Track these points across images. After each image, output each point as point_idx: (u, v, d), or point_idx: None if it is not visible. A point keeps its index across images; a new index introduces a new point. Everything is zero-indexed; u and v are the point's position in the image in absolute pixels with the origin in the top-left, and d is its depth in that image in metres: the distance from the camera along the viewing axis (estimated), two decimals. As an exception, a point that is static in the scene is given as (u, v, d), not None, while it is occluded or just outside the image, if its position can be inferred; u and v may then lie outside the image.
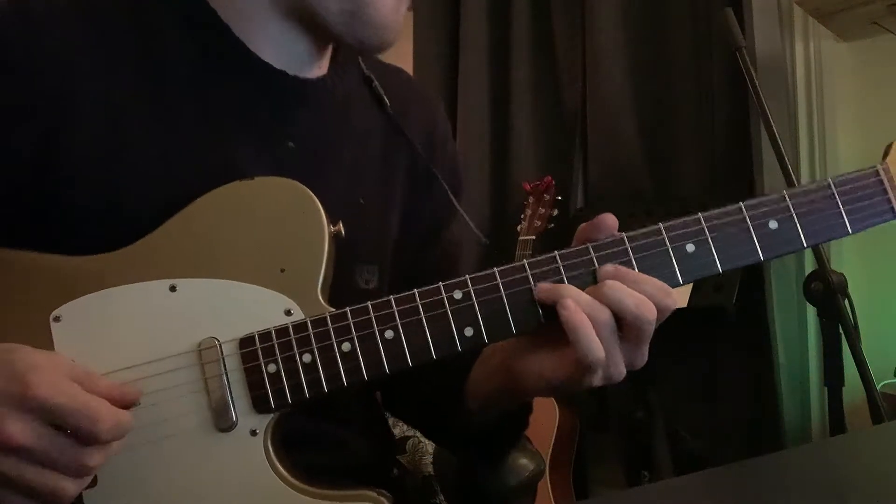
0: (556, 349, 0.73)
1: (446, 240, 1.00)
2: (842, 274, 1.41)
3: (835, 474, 0.72)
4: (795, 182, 1.46)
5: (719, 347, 2.28)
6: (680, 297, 1.91)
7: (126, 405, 0.67)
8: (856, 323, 1.40)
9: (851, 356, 1.39)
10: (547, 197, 2.43)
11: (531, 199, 2.45)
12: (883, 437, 0.90)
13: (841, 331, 1.40)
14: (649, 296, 0.70)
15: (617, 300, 0.69)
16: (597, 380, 0.72)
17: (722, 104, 2.31)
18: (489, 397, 0.86)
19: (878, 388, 1.41)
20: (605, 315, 0.69)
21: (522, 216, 2.45)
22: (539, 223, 2.40)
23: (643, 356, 0.73)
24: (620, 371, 0.72)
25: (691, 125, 2.40)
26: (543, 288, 0.72)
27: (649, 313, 0.69)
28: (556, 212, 2.43)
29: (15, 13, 0.76)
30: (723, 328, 2.18)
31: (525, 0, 2.73)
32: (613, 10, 2.51)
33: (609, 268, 0.72)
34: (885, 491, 0.65)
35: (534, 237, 2.38)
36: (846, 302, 1.40)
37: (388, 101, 0.94)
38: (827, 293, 1.39)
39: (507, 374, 0.80)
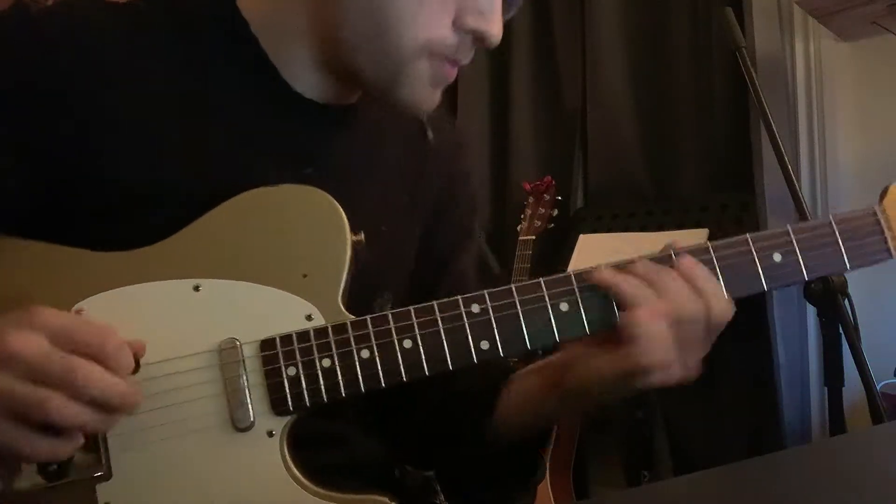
0: (611, 351, 0.75)
1: (457, 271, 1.00)
2: (842, 274, 1.41)
3: (835, 474, 0.72)
4: (795, 182, 1.46)
5: (719, 347, 2.28)
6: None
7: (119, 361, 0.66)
8: (856, 323, 1.40)
9: (851, 356, 1.39)
10: (547, 197, 2.43)
11: (531, 199, 2.45)
12: (883, 437, 0.90)
13: (841, 331, 1.40)
14: (707, 296, 0.74)
15: (675, 291, 0.73)
16: (651, 380, 0.75)
17: (722, 104, 2.31)
18: (528, 405, 0.86)
19: (878, 388, 1.40)
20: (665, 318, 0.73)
21: (522, 216, 2.45)
22: (539, 223, 2.40)
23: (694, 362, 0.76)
24: (674, 374, 0.75)
25: (691, 125, 2.40)
26: (606, 275, 0.74)
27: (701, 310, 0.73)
28: (556, 212, 2.43)
29: (58, 12, 0.77)
30: (723, 328, 2.18)
31: (525, 0, 2.73)
32: (613, 11, 2.51)
33: (688, 260, 0.75)
34: (886, 491, 0.65)
35: (534, 237, 2.38)
36: (846, 302, 1.40)
37: (430, 133, 0.95)
38: (827, 293, 1.38)
39: (557, 380, 0.82)
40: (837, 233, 0.78)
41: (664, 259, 0.76)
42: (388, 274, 0.89)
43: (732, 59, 1.58)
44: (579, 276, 0.75)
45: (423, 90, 0.80)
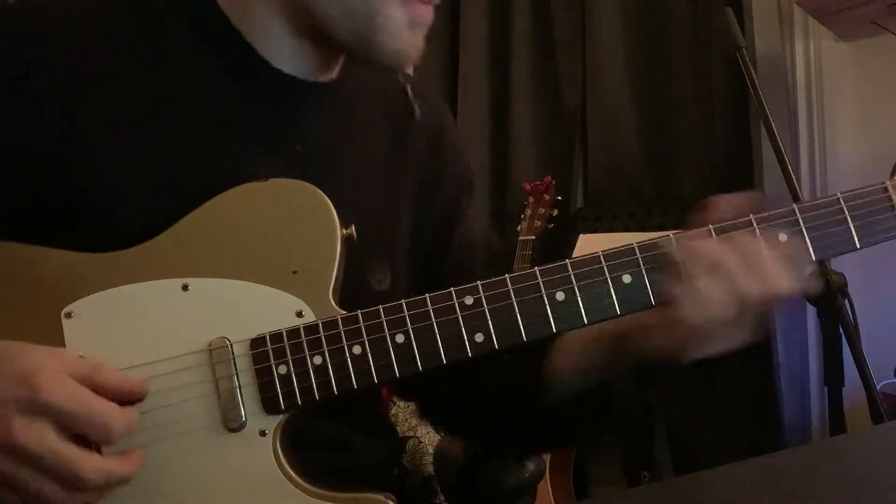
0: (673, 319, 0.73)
1: (460, 236, 0.99)
2: (842, 274, 1.41)
3: (835, 474, 0.72)
4: (795, 182, 1.46)
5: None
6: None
7: (134, 399, 0.68)
8: (856, 323, 1.40)
9: (851, 356, 1.39)
10: (547, 197, 2.43)
11: (531, 199, 2.45)
12: (883, 437, 0.90)
13: (841, 331, 1.40)
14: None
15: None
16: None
17: (722, 104, 2.31)
18: (588, 365, 0.84)
19: (878, 388, 1.41)
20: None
21: (522, 216, 2.45)
22: (539, 223, 2.40)
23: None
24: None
25: (691, 125, 2.40)
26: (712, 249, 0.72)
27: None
28: (556, 212, 2.43)
29: (30, 9, 0.77)
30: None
31: (525, 0, 2.73)
32: (613, 10, 2.51)
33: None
34: (886, 491, 0.65)
35: (534, 237, 2.38)
36: (846, 302, 1.40)
37: (417, 109, 0.94)
38: (827, 293, 1.39)
39: (619, 343, 0.80)
40: (846, 210, 0.74)
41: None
42: (379, 246, 0.87)
43: (732, 59, 1.58)
44: (575, 264, 0.73)
45: (403, 34, 0.78)
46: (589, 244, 2.32)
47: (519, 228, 2.44)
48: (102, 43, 0.77)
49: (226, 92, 0.81)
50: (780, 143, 1.46)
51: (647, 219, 2.34)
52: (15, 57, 0.75)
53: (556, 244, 2.46)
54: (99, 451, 0.66)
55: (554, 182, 2.46)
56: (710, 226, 0.74)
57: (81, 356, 0.70)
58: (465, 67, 2.80)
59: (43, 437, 0.62)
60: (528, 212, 2.44)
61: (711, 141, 2.35)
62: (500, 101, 2.78)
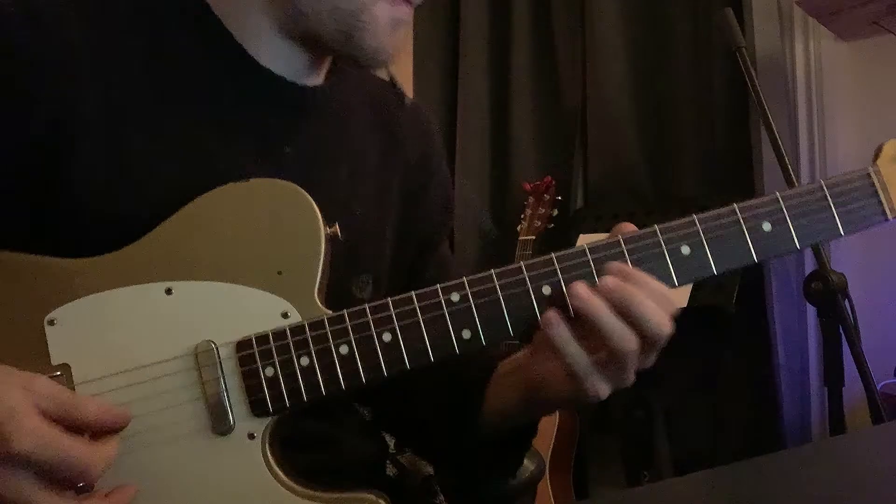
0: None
1: (436, 259, 1.01)
2: (842, 274, 1.41)
3: (835, 474, 0.72)
4: (795, 182, 1.46)
5: (719, 347, 2.28)
6: (680, 296, 1.92)
7: (116, 428, 0.67)
8: (856, 323, 1.40)
9: (851, 356, 1.39)
10: (547, 197, 2.43)
11: (531, 199, 2.45)
12: (883, 437, 0.90)
13: (841, 331, 1.40)
14: (659, 302, 0.70)
15: (626, 301, 0.69)
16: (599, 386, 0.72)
17: (722, 104, 2.31)
18: (507, 408, 0.86)
19: (878, 388, 1.41)
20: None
21: (522, 216, 2.45)
22: (539, 223, 2.40)
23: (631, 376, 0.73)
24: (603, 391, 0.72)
25: (691, 125, 2.40)
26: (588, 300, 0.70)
27: (665, 326, 0.69)
28: (556, 212, 2.43)
29: (22, 9, 0.76)
30: (723, 328, 2.19)
31: (525, 0, 2.73)
32: (613, 10, 2.51)
33: (614, 265, 0.71)
34: (886, 491, 0.65)
35: (534, 237, 2.38)
36: (846, 302, 1.40)
37: (407, 99, 0.95)
38: (827, 293, 1.39)
39: (526, 386, 0.82)
40: (829, 197, 0.74)
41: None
42: (364, 254, 0.88)
43: (732, 59, 1.58)
44: (561, 257, 0.73)
45: (385, 33, 0.80)
46: (589, 244, 2.32)
47: (519, 228, 2.44)
48: (96, 44, 0.77)
49: (219, 94, 0.81)
50: (780, 143, 1.46)
51: (647, 219, 2.33)
52: (7, 57, 0.74)
53: (556, 244, 2.45)
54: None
55: (554, 182, 2.46)
56: (620, 236, 0.74)
57: (60, 371, 0.70)
58: (465, 67, 2.80)
59: (19, 488, 0.61)
60: (528, 212, 2.44)
61: (711, 141, 2.35)
62: (500, 101, 2.78)
